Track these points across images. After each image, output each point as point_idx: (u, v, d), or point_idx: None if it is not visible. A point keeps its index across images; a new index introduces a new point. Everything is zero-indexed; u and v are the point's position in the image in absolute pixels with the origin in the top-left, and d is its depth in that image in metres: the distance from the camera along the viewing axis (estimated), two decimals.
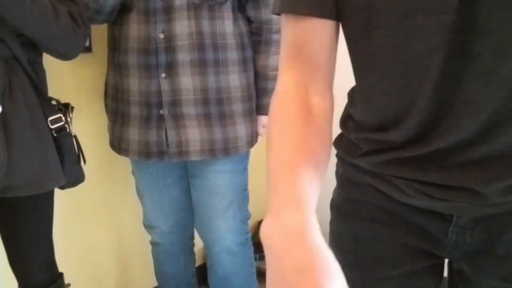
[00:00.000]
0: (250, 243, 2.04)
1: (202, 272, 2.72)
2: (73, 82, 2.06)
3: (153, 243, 2.16)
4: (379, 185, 0.92)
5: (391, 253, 0.93)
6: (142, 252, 2.43)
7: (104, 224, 2.33)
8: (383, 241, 0.93)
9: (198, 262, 2.65)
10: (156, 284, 2.30)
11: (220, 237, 1.97)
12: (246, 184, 1.99)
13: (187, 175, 2.02)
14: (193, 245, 2.23)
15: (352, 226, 0.96)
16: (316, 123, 0.78)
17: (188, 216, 2.10)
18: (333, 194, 1.01)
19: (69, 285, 1.80)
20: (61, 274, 1.76)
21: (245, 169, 1.97)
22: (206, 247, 2.05)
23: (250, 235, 2.04)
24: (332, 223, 1.01)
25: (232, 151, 1.84)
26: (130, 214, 2.41)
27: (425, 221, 0.91)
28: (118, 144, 1.92)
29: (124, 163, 2.21)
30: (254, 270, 2.08)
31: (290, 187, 0.66)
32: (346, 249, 0.96)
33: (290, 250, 0.55)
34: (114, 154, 1.99)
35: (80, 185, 1.74)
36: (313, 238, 0.57)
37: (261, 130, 1.94)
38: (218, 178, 1.92)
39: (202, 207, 1.97)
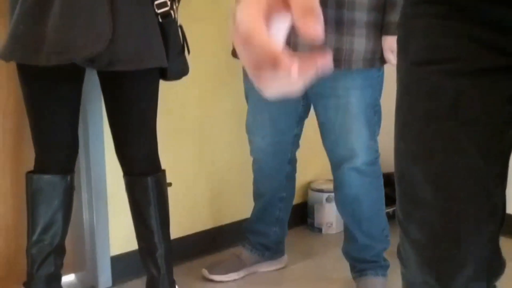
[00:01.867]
0: (379, 163, 1.91)
1: (301, 211, 2.62)
2: None
3: (252, 157, 2.08)
4: None
5: (464, 50, 0.85)
6: (237, 180, 2.38)
7: (199, 147, 2.27)
8: (454, 37, 0.85)
9: (298, 200, 2.54)
10: (247, 216, 2.23)
11: (352, 155, 1.84)
12: (378, 100, 1.86)
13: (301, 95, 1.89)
14: (291, 171, 2.10)
15: (422, 24, 0.88)
16: None
17: (287, 140, 2.00)
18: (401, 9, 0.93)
19: (170, 184, 1.83)
20: (164, 170, 1.78)
21: (378, 84, 1.84)
22: (334, 167, 1.91)
23: (379, 154, 1.90)
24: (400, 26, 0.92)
25: (344, 64, 1.72)
26: (227, 141, 2.33)
27: (502, 13, 0.82)
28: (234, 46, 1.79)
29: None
30: (383, 194, 1.94)
31: None
32: (416, 47, 0.89)
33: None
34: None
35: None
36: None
37: (389, 54, 1.78)
38: (349, 95, 1.80)
39: (332, 126, 1.85)
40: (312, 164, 2.72)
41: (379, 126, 1.88)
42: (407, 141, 0.90)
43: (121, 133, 1.73)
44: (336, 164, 1.89)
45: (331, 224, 2.63)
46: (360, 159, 1.84)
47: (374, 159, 1.88)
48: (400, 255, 0.96)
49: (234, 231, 2.39)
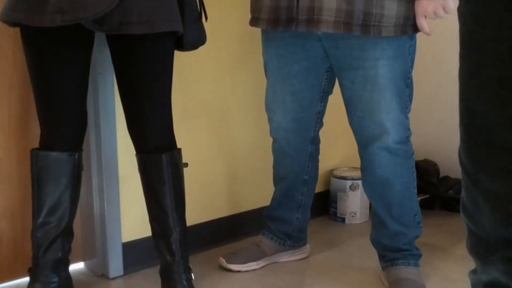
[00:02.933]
0: (410, 142, 1.76)
1: (323, 200, 2.49)
2: None
3: (272, 137, 1.94)
4: None
5: None
6: (257, 164, 2.27)
7: (216, 127, 2.16)
8: None
9: (319, 188, 2.41)
10: (267, 203, 2.09)
11: (382, 133, 1.69)
12: (410, 72, 1.70)
13: (320, 66, 1.76)
14: (314, 151, 1.96)
15: None
16: None
17: (310, 116, 1.86)
18: None
19: (186, 164, 1.72)
20: (179, 149, 1.67)
21: (409, 54, 1.69)
22: (362, 146, 1.76)
23: (411, 132, 1.75)
24: None
25: (373, 30, 1.58)
26: (247, 121, 2.23)
27: None
28: (252, 14, 1.74)
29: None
30: (415, 176, 1.79)
31: None
32: None
33: None
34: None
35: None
36: None
37: (422, 20, 1.62)
38: (378, 66, 1.65)
39: (360, 101, 1.70)
40: (334, 150, 2.58)
41: (411, 100, 1.73)
42: (481, 78, 0.76)
43: (133, 104, 1.61)
44: (364, 143, 1.74)
45: (355, 213, 2.48)
46: (391, 136, 1.68)
47: (406, 138, 1.72)
48: (465, 209, 0.83)
49: (253, 218, 2.26)
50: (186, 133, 2.04)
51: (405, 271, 1.77)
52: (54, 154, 1.61)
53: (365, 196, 2.46)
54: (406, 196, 1.77)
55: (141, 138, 1.64)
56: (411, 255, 1.81)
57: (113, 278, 1.93)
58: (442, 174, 2.71)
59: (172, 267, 1.66)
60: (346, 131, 2.54)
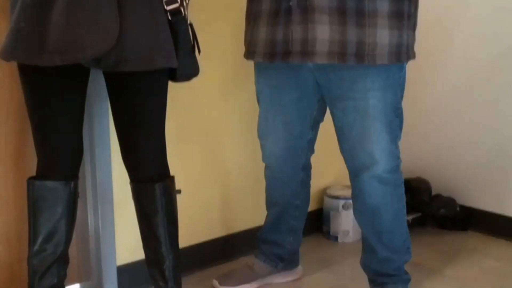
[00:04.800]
0: (400, 170, 1.79)
1: (316, 218, 2.51)
2: None
3: (265, 163, 1.98)
4: None
5: None
6: (249, 187, 2.31)
7: (209, 152, 2.20)
8: None
9: (313, 207, 2.44)
10: (260, 223, 2.13)
11: (372, 162, 1.72)
12: (399, 103, 1.74)
13: (311, 96, 1.79)
14: (305, 178, 1.99)
15: None
16: None
17: (301, 144, 1.90)
18: None
19: (179, 191, 1.73)
20: (172, 177, 1.69)
21: (399, 85, 1.73)
22: (353, 175, 1.80)
23: (401, 160, 1.78)
24: None
25: (367, 59, 1.60)
26: (239, 146, 2.26)
27: None
28: (247, 48, 1.78)
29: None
30: (404, 203, 1.82)
31: None
32: None
33: None
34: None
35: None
36: None
37: None
38: (368, 97, 1.68)
39: (350, 131, 1.73)
40: (328, 169, 2.61)
41: (400, 129, 1.76)
42: None
43: (128, 135, 1.64)
44: (355, 172, 1.78)
45: (348, 232, 2.52)
46: (381, 166, 1.72)
47: (396, 166, 1.76)
48: None
49: (246, 239, 2.29)
50: (179, 158, 2.06)
51: None
52: (50, 183, 1.63)
53: None
54: (396, 223, 1.81)
55: (135, 168, 1.67)
56: (400, 280, 1.85)
57: None
58: (434, 192, 2.75)
59: None
60: (339, 151, 2.59)
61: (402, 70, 1.71)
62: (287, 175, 1.93)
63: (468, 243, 2.51)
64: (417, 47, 1.75)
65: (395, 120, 1.72)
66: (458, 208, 2.66)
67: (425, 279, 2.12)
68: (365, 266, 1.90)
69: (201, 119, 2.15)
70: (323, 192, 2.58)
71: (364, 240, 1.88)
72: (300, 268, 2.15)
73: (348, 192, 2.50)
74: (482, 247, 2.47)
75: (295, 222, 2.02)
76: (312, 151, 1.96)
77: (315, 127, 1.89)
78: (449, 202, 2.67)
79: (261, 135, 1.92)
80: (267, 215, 2.06)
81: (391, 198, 1.77)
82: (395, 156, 1.75)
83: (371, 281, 1.90)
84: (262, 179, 2.05)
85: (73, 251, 2.00)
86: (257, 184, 2.26)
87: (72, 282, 2.02)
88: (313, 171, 2.07)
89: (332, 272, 2.21)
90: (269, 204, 2.03)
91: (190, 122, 2.12)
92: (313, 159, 2.05)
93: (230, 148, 2.26)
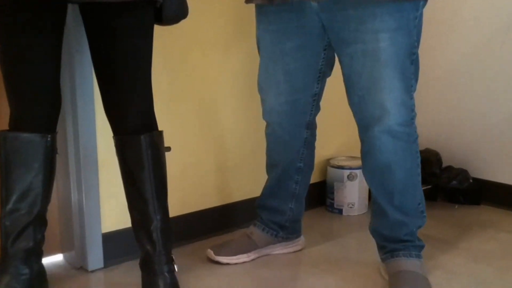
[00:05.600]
0: (415, 125, 1.62)
1: (319, 191, 2.36)
2: None
3: (265, 121, 1.81)
4: None
5: None
6: (248, 152, 2.16)
7: (205, 112, 2.02)
8: None
9: (315, 179, 2.28)
10: (259, 194, 1.95)
11: (383, 114, 1.55)
12: (415, 47, 1.56)
13: (316, 43, 1.62)
14: (310, 137, 1.82)
15: None
16: None
17: (305, 99, 1.72)
18: None
19: (169, 148, 1.58)
20: (161, 131, 1.54)
21: (415, 27, 1.55)
22: (363, 129, 1.62)
23: (415, 114, 1.61)
24: None
25: None
26: (237, 106, 2.11)
27: None
28: None
29: None
30: (419, 161, 1.65)
31: None
32: None
33: None
34: None
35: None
36: None
37: None
38: (378, 40, 1.51)
39: (359, 79, 1.56)
40: (331, 139, 2.45)
41: (416, 79, 1.59)
42: None
43: (110, 82, 1.47)
44: (364, 126, 1.60)
45: (353, 204, 2.35)
46: (393, 118, 1.54)
47: (410, 119, 1.58)
48: None
49: (243, 210, 2.13)
50: (170, 119, 1.90)
51: (407, 263, 1.64)
52: (24, 135, 1.47)
53: (364, 186, 2.35)
54: (409, 183, 1.63)
55: (118, 119, 1.51)
56: (413, 246, 1.68)
57: (92, 271, 1.80)
58: (444, 164, 2.58)
59: (153, 258, 1.52)
60: (344, 118, 2.43)
61: (417, 9, 1.53)
62: (289, 133, 1.76)
63: (481, 217, 2.34)
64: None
65: (409, 67, 1.55)
66: (471, 180, 2.49)
67: (438, 252, 1.95)
68: (375, 232, 1.73)
69: (196, 78, 1.98)
70: (327, 163, 2.42)
71: (374, 203, 1.71)
72: (302, 239, 1.98)
73: (353, 163, 2.35)
74: (496, 220, 2.30)
75: (297, 187, 1.85)
76: (317, 108, 1.78)
77: (321, 80, 1.72)
78: (461, 173, 2.50)
79: (261, 88, 1.75)
80: (267, 180, 1.89)
81: (403, 154, 1.60)
82: (409, 107, 1.57)
83: (380, 248, 1.73)
84: (262, 146, 1.88)
85: (54, 218, 1.84)
86: (256, 150, 2.11)
87: (55, 252, 1.86)
88: (316, 140, 1.90)
89: (336, 245, 2.04)
90: (270, 166, 1.86)
91: (183, 79, 1.95)
92: (317, 126, 1.88)
93: (228, 110, 2.09)
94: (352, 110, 1.62)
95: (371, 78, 1.53)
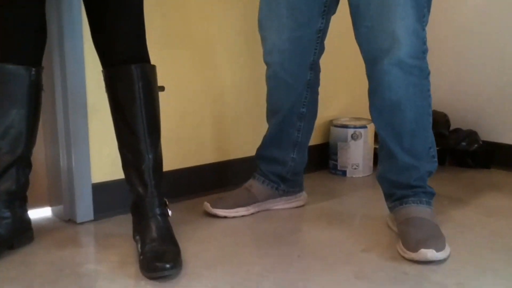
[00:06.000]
0: (426, 60, 1.51)
1: (322, 152, 2.25)
2: None
3: (266, 63, 1.68)
4: None
5: None
6: (248, 106, 2.06)
7: (202, 62, 1.92)
8: None
9: (317, 140, 2.18)
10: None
11: (393, 44, 1.43)
12: None
13: None
14: (314, 80, 1.71)
15: None
16: None
17: (308, 35, 1.61)
18: None
19: (163, 88, 1.53)
20: (153, 65, 1.44)
21: None
22: (370, 63, 1.51)
23: (427, 48, 1.50)
24: None
25: None
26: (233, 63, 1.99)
27: None
28: None
29: None
30: (430, 101, 1.54)
31: None
32: None
33: None
34: None
35: None
36: None
37: None
38: None
39: (368, 7, 1.45)
40: (334, 100, 2.35)
41: (428, 10, 1.47)
42: None
43: (97, 9, 1.37)
44: (372, 60, 1.49)
45: (357, 166, 2.24)
46: (404, 48, 1.43)
47: (422, 52, 1.47)
48: None
49: (242, 167, 2.02)
50: (165, 66, 1.79)
51: (416, 210, 1.52)
52: (8, 67, 1.37)
53: (369, 146, 2.24)
54: (419, 123, 1.52)
55: (107, 49, 1.40)
56: (423, 192, 1.56)
57: (81, 223, 1.69)
58: (452, 126, 2.47)
59: (145, 200, 1.41)
60: (348, 78, 2.32)
61: None
62: (291, 73, 1.65)
63: (491, 180, 2.23)
64: None
65: None
66: (480, 142, 2.38)
67: (450, 208, 1.84)
68: (382, 178, 1.62)
69: (192, 23, 1.87)
70: (329, 124, 2.31)
71: (382, 147, 1.60)
72: (304, 194, 1.87)
73: (357, 122, 2.24)
74: (509, 182, 2.19)
75: (299, 135, 1.74)
76: (322, 47, 1.67)
77: (326, 15, 1.61)
78: (471, 135, 2.39)
79: (262, 25, 1.64)
80: (268, 129, 1.78)
81: (414, 91, 1.48)
82: (421, 39, 1.46)
83: (388, 196, 1.62)
84: (262, 100, 1.77)
85: (42, 168, 1.74)
86: (256, 105, 2.00)
87: (42, 205, 1.76)
88: (319, 94, 1.79)
89: (340, 203, 1.93)
90: (270, 113, 1.75)
91: (179, 24, 1.84)
92: (320, 84, 1.77)
93: (225, 61, 1.98)
94: (359, 44, 1.51)
95: (382, 5, 1.42)
